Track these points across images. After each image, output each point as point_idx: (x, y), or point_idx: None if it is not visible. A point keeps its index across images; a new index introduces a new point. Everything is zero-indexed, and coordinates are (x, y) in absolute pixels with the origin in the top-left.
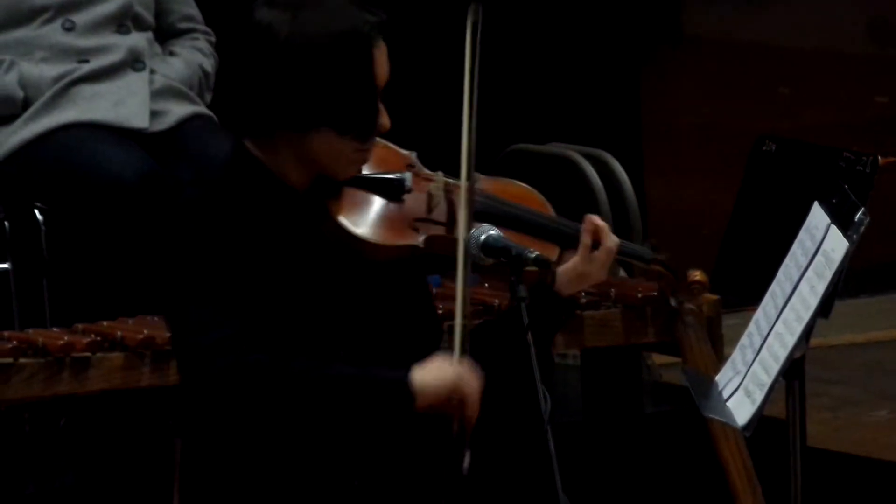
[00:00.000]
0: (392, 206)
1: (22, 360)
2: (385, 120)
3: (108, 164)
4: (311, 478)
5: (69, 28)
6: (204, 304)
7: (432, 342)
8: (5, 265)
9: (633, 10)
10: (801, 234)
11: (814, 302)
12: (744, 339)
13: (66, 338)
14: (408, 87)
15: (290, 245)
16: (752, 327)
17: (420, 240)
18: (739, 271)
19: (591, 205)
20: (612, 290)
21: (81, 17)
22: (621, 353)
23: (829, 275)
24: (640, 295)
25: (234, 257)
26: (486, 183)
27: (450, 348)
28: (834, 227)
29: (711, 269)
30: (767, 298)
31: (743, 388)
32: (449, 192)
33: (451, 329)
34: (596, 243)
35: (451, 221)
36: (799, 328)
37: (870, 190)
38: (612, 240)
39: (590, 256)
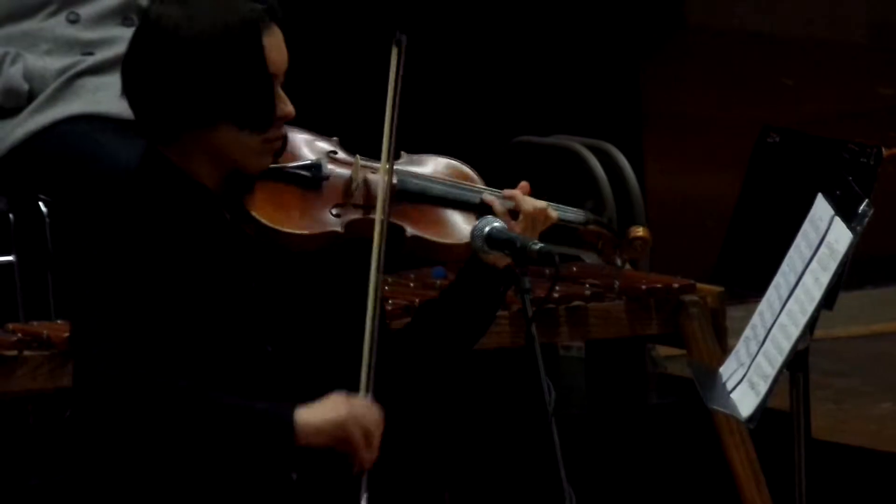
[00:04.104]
0: (309, 194)
1: (26, 353)
2: (288, 108)
3: (113, 156)
4: (249, 472)
5: (74, 20)
6: (99, 314)
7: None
8: (10, 257)
9: (636, 1)
10: (805, 226)
11: (818, 293)
12: (748, 331)
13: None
14: (331, 71)
15: (208, 245)
16: (756, 319)
17: (340, 225)
18: (744, 263)
19: (595, 196)
20: (617, 281)
21: (86, 10)
22: (625, 344)
23: (833, 266)
24: (644, 287)
25: (144, 264)
26: (412, 162)
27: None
28: (838, 219)
29: (715, 260)
30: (771, 290)
31: (747, 379)
32: (367, 174)
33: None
34: (514, 212)
35: (371, 204)
36: (803, 320)
37: (873, 181)
38: (528, 204)
39: (510, 224)
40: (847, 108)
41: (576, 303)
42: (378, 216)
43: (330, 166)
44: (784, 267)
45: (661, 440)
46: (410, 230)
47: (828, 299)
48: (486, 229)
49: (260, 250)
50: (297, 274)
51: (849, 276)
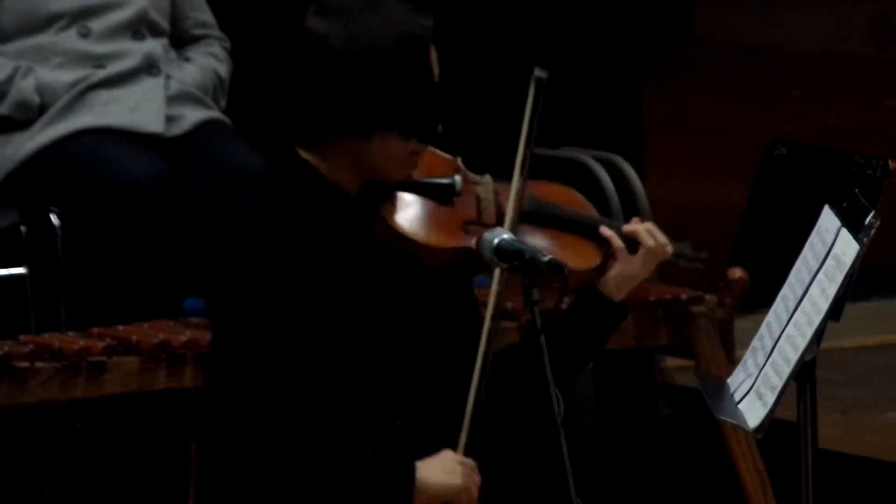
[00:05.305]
0: (443, 209)
1: (38, 364)
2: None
3: (124, 168)
4: (354, 415)
5: (85, 34)
6: (249, 330)
7: (474, 347)
8: (22, 269)
9: (644, 11)
10: (812, 238)
11: (824, 305)
12: (755, 342)
13: (81, 342)
14: (451, 92)
15: (344, 250)
16: (763, 330)
17: (472, 241)
18: (751, 274)
19: (603, 209)
20: None
21: (97, 24)
22: (634, 355)
23: (839, 278)
24: (652, 298)
25: (289, 271)
26: (529, 187)
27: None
28: (844, 231)
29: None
30: (779, 301)
31: (754, 390)
32: (497, 194)
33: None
34: (633, 244)
35: (500, 223)
36: (810, 331)
37: (880, 193)
38: (650, 240)
39: (628, 258)
40: (854, 120)
41: None
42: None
43: (461, 184)
44: (791, 278)
45: (669, 451)
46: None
47: (835, 310)
48: (496, 241)
49: (391, 260)
50: (422, 286)
51: (855, 287)
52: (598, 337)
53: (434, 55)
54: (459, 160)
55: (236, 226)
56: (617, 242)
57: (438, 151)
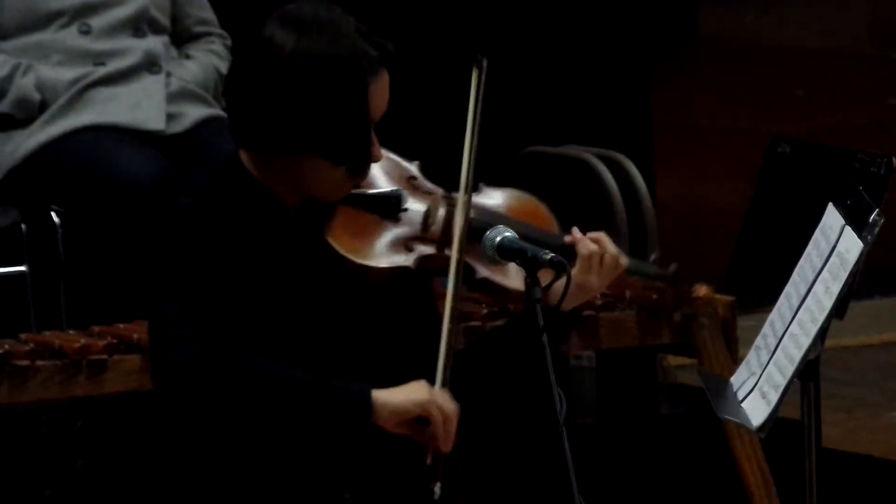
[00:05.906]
0: (386, 224)
1: (39, 363)
2: (377, 152)
3: (125, 166)
4: (301, 489)
5: (85, 32)
6: (174, 301)
7: (431, 357)
8: (22, 268)
9: (648, 10)
10: (816, 235)
11: (828, 303)
12: (759, 341)
13: (82, 340)
14: (416, 96)
15: (280, 262)
16: (766, 328)
17: (411, 260)
18: (754, 272)
19: (606, 207)
20: (628, 292)
21: (98, 21)
22: (636, 354)
23: (843, 276)
24: (655, 297)
25: (217, 268)
26: (489, 196)
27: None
28: (848, 228)
29: (726, 270)
30: (782, 299)
31: (758, 389)
32: (448, 209)
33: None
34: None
35: (446, 240)
36: (814, 329)
37: (884, 191)
38: (585, 250)
39: (587, 268)
40: (857, 119)
41: (587, 312)
42: (454, 255)
43: (410, 198)
44: (795, 276)
45: (672, 450)
46: (482, 272)
47: (838, 309)
48: (498, 239)
49: (329, 269)
50: (362, 296)
51: (859, 285)
52: (550, 345)
53: (380, 86)
54: (417, 165)
55: (168, 222)
56: (583, 250)
57: (395, 157)
